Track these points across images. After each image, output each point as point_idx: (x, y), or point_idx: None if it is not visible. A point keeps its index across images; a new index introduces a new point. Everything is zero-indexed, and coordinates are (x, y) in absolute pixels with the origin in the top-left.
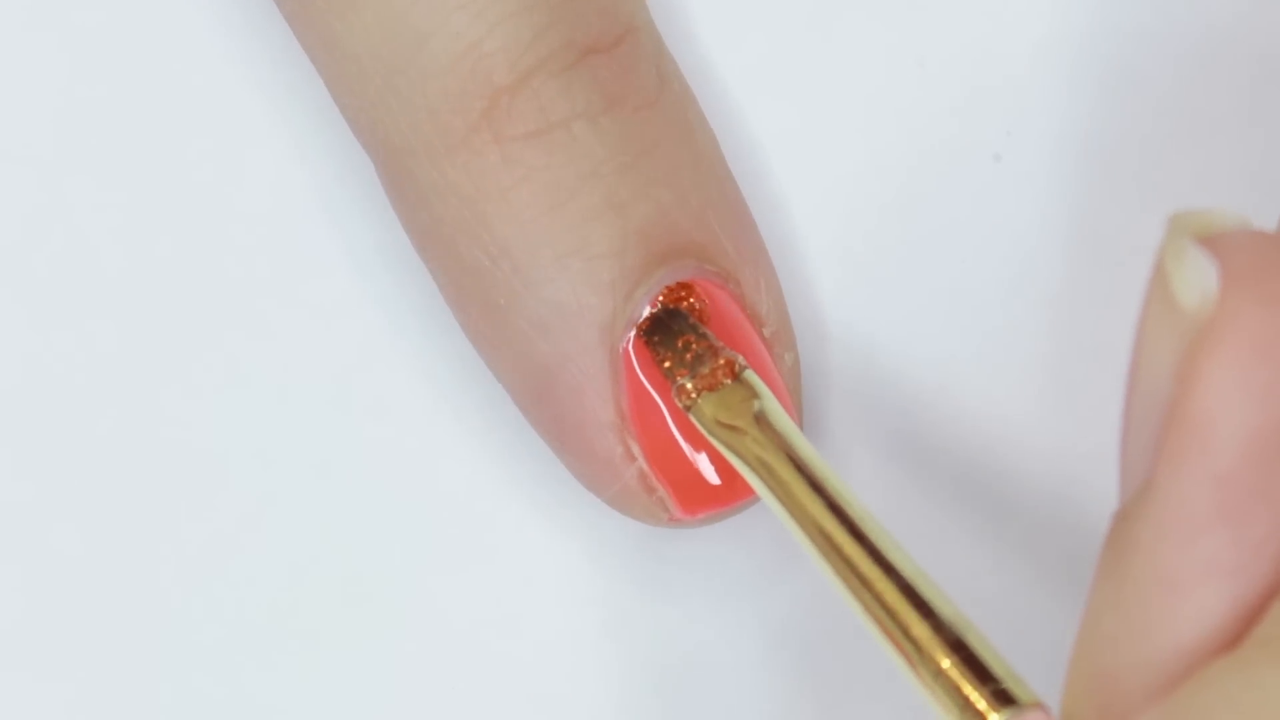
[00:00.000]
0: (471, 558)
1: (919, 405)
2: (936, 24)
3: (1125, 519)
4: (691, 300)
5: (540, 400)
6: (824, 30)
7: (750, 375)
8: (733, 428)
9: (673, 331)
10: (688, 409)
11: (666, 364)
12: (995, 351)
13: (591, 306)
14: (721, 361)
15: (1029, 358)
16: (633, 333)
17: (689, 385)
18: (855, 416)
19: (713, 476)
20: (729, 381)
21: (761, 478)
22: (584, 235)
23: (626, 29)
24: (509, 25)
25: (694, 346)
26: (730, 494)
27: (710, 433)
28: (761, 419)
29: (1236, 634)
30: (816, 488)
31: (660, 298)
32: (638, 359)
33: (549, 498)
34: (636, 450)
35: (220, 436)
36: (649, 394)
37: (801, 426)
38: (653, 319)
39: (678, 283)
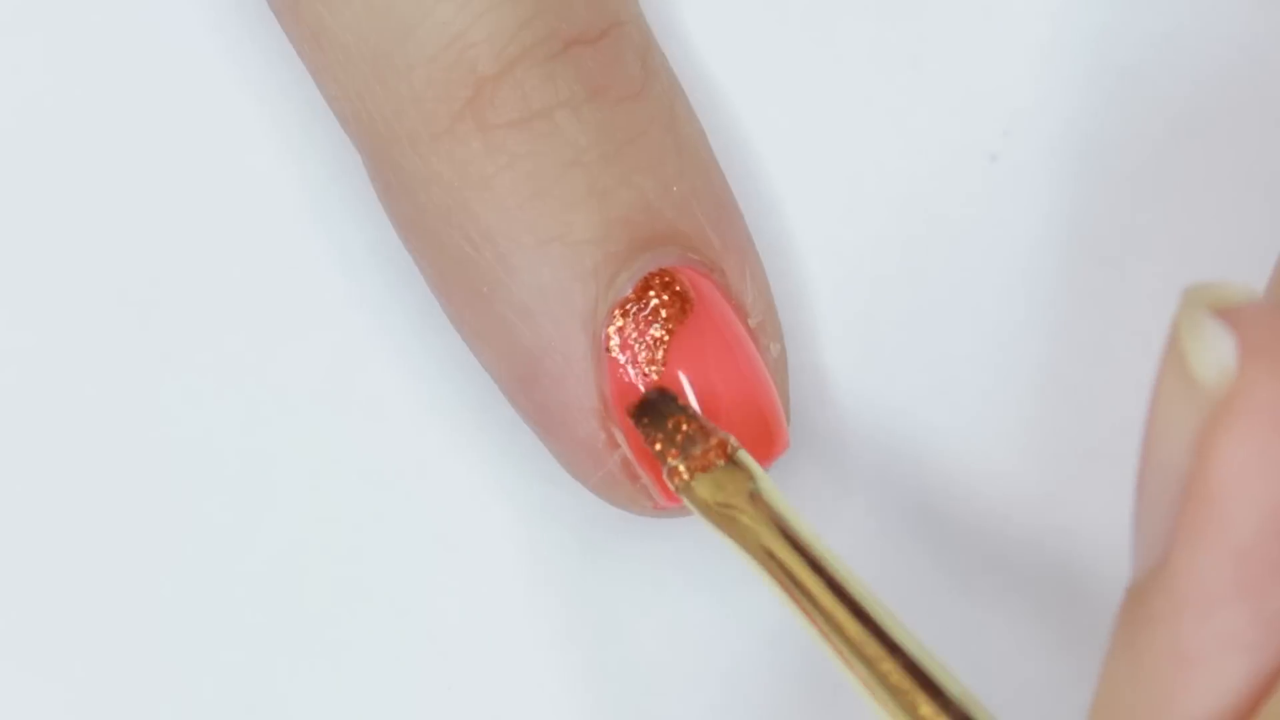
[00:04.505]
0: (465, 557)
1: (911, 405)
2: (932, 24)
3: (1141, 593)
4: (676, 287)
5: (524, 387)
6: (820, 30)
7: (743, 455)
8: (727, 508)
9: (662, 413)
10: (679, 490)
11: (657, 446)
12: (989, 352)
13: (573, 292)
14: (714, 442)
15: (1023, 358)
16: (614, 323)
17: (681, 467)
18: (846, 415)
19: None
20: (721, 462)
21: (759, 559)
22: (566, 222)
23: (613, 22)
24: (494, 15)
25: (685, 427)
26: None
27: (704, 514)
28: (757, 499)
29: (1251, 707)
30: (816, 567)
31: (648, 369)
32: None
33: (543, 496)
34: (620, 437)
35: (212, 435)
36: (632, 382)
37: (789, 420)
38: (642, 401)
39: (661, 269)
